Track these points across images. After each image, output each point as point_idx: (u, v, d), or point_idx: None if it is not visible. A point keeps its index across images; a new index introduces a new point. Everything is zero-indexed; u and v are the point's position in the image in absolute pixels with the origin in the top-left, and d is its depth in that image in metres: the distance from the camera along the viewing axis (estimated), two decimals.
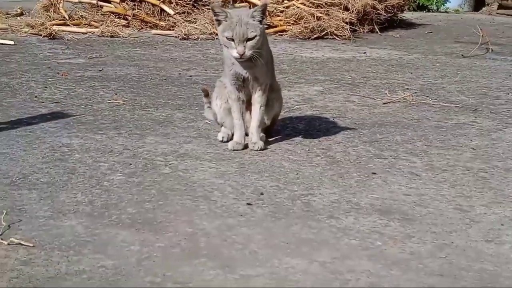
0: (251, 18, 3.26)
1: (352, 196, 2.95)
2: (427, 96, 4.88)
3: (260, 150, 3.45)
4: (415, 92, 4.98)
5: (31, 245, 2.36)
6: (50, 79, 5.09)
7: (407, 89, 5.10)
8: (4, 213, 2.59)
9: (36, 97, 4.54)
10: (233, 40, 3.24)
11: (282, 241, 2.50)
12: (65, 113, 4.13)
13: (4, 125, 3.83)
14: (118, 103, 4.44)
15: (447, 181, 3.13)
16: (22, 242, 2.37)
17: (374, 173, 3.23)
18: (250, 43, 3.24)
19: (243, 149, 3.47)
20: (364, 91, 5.02)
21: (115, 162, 3.28)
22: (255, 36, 3.24)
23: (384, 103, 4.64)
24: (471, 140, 3.79)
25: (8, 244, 2.36)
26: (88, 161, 3.27)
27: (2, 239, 2.39)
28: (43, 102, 4.41)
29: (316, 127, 4.00)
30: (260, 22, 3.27)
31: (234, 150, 3.46)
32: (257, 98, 3.47)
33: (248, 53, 3.23)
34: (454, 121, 4.22)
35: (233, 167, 3.24)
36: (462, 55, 6.73)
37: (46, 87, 4.84)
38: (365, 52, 6.75)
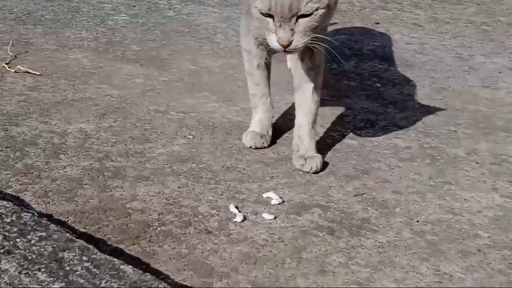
0: None
1: (354, 43, 2.97)
2: None
3: (315, 172, 1.93)
4: None
5: (37, 73, 2.41)
6: None
7: None
8: (10, 44, 2.63)
9: None
10: (271, 16, 1.70)
11: (283, 80, 2.55)
12: None
13: None
14: None
15: (449, 32, 3.15)
16: (29, 71, 2.42)
17: (378, 23, 3.23)
18: (303, 22, 1.68)
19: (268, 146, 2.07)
20: None
21: (118, 3, 3.28)
22: (315, 9, 1.68)
23: None
24: None
25: (15, 72, 2.41)
26: (92, 1, 3.27)
27: (9, 67, 2.44)
28: None
29: None
30: None
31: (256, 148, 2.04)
32: (309, 74, 1.97)
33: (298, 42, 1.69)
34: None
35: (236, 13, 3.24)
36: None
37: None
38: None
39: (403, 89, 2.53)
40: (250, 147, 2.02)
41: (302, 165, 1.93)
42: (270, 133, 2.06)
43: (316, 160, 1.93)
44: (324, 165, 1.94)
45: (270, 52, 1.99)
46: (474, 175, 1.95)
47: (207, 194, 1.78)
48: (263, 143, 2.03)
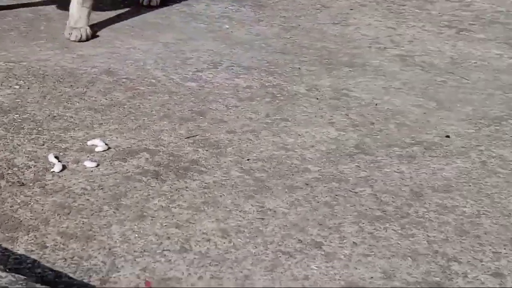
0: None
1: None
2: None
3: (80, 40, 2.27)
4: None
5: None
6: None
7: None
8: None
9: None
10: None
11: (127, 25, 2.44)
12: None
13: None
14: None
15: None
16: None
17: None
18: None
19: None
20: None
21: None
22: None
23: None
24: None
25: None
26: None
27: None
28: None
29: None
30: None
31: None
32: None
33: None
34: None
35: None
36: None
37: None
38: None
39: (252, 29, 2.47)
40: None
41: (70, 34, 2.24)
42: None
43: (82, 30, 2.25)
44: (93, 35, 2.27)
45: None
46: (312, 111, 1.92)
47: (26, 145, 1.66)
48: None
